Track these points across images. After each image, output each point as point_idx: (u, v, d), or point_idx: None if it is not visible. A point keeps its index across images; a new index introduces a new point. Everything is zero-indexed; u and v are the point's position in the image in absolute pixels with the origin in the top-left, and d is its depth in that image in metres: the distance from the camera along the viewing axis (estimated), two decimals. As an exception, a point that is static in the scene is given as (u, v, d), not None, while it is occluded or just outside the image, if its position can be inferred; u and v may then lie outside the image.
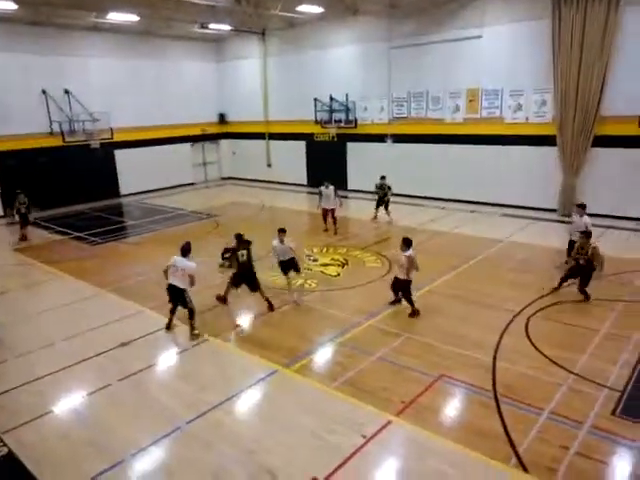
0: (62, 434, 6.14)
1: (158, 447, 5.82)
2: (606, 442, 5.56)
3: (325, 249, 13.44)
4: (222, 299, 9.88)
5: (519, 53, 16.22)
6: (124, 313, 9.69)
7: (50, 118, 19.81)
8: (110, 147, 21.59)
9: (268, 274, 11.19)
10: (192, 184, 25.45)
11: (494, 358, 7.44)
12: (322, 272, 11.58)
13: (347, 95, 20.88)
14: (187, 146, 25.28)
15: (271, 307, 9.47)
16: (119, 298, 10.50)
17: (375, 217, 16.58)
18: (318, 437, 5.84)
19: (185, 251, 8.56)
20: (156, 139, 23.47)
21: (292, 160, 23.95)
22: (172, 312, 8.80)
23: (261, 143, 25.19)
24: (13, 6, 15.62)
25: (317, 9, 18.61)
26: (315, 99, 21.51)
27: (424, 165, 19.15)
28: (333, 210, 15.07)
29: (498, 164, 17.35)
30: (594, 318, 8.68)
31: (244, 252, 9.38)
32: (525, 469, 5.19)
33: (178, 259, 8.51)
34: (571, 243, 10.71)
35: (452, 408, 6.41)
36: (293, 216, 18.07)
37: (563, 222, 15.38)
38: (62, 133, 19.87)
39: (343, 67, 20.95)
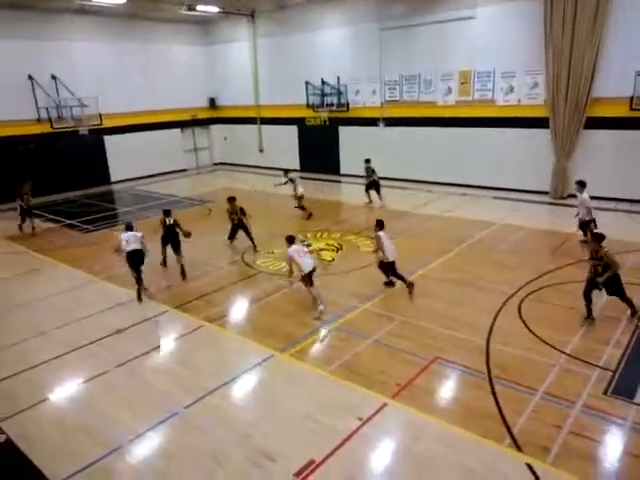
0: (59, 421, 6.15)
1: (156, 432, 5.85)
2: (598, 421, 5.66)
3: (319, 234, 13.43)
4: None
5: (511, 34, 16.10)
6: (118, 300, 9.66)
7: (37, 104, 19.47)
8: (99, 133, 21.30)
9: (262, 259, 11.21)
10: (184, 170, 25.24)
11: (488, 340, 7.51)
12: (316, 257, 11.57)
13: (338, 78, 20.68)
14: (177, 132, 25.01)
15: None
16: (112, 285, 10.46)
17: (369, 201, 16.53)
18: (314, 420, 5.89)
19: (130, 226, 10.05)
20: (146, 124, 23.17)
21: (284, 145, 23.78)
22: (139, 281, 9.67)
23: (252, 128, 24.96)
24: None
25: (307, -10, 18.29)
26: (306, 82, 21.29)
27: (416, 149, 19.09)
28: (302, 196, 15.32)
29: (490, 147, 17.33)
30: (586, 299, 8.76)
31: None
32: (519, 448, 5.28)
33: (130, 233, 9.77)
34: (582, 223, 11.10)
35: (447, 390, 6.49)
36: (285, 201, 17.97)
37: (555, 204, 15.47)
38: (50, 119, 19.54)
39: (334, 50, 20.70)
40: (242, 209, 12.35)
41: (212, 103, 26.16)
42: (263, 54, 23.47)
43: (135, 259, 9.58)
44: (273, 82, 23.38)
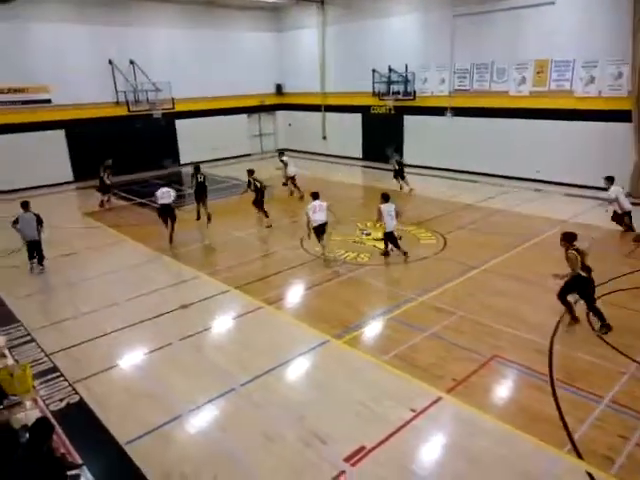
0: (126, 386, 6.56)
1: (213, 405, 6.11)
2: (670, 435, 5.31)
3: (379, 224, 13.31)
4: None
5: (595, 21, 15.06)
6: (183, 277, 10.11)
7: (116, 88, 20.54)
8: (171, 117, 22.16)
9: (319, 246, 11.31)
10: (248, 155, 25.78)
11: (551, 341, 7.21)
12: (375, 246, 11.53)
13: (406, 66, 20.26)
14: (244, 117, 25.55)
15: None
16: (178, 263, 10.94)
17: (400, 188, 16.93)
18: (367, 407, 5.93)
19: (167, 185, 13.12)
20: (215, 109, 23.84)
21: (347, 133, 23.71)
22: (170, 229, 12.30)
23: (317, 115, 25.05)
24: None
25: (379, -25, 18.00)
26: (373, 70, 21.03)
27: (485, 140, 18.41)
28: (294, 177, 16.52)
29: (565, 141, 16.41)
30: (664, 306, 8.19)
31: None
32: (580, 456, 5.06)
33: (164, 189, 12.35)
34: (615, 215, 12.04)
35: (504, 389, 6.31)
36: (346, 189, 17.99)
37: (635, 204, 14.44)
38: (127, 103, 20.56)
39: (403, 37, 20.27)
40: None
41: (279, 89, 26.47)
42: (331, 41, 23.40)
43: (164, 211, 12.22)
44: (339, 69, 23.29)
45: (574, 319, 7.71)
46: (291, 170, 16.83)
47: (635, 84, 14.45)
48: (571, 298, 7.71)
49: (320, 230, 10.49)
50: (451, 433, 5.54)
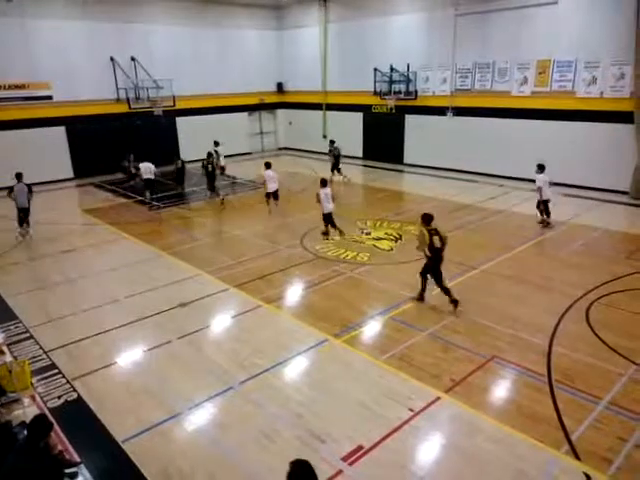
0: (125, 384, 6.56)
1: (212, 403, 6.11)
2: (668, 437, 5.31)
3: (379, 223, 13.34)
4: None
5: (598, 21, 15.04)
6: (182, 275, 10.09)
7: (117, 85, 20.51)
8: (172, 114, 22.13)
9: (321, 245, 11.33)
10: (249, 153, 25.76)
11: (550, 342, 7.20)
12: (375, 246, 11.53)
13: (408, 65, 20.23)
14: (244, 115, 25.51)
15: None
16: (177, 261, 10.93)
17: (331, 180, 17.16)
18: (365, 407, 5.93)
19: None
20: (215, 107, 23.81)
21: (348, 132, 23.64)
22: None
23: (318, 114, 25.01)
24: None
25: (382, -26, 17.98)
26: (375, 69, 21.01)
27: (485, 140, 18.39)
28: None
29: (566, 141, 16.39)
30: (663, 308, 8.19)
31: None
32: (577, 457, 5.06)
33: (146, 164, 15.71)
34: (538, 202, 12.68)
35: (503, 389, 6.31)
36: (347, 188, 17.97)
37: (635, 205, 14.47)
38: (128, 100, 20.53)
39: (405, 36, 20.24)
40: None
41: (279, 88, 26.44)
42: (333, 39, 23.37)
43: (148, 184, 15.98)
44: (341, 68, 23.27)
45: (420, 298, 8.63)
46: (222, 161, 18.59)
47: (637, 85, 14.44)
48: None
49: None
50: (449, 433, 5.54)
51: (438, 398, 6.03)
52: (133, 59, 20.77)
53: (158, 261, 11.06)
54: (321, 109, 24.82)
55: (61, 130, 19.67)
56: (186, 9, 22.16)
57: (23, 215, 12.75)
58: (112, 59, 20.29)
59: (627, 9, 14.21)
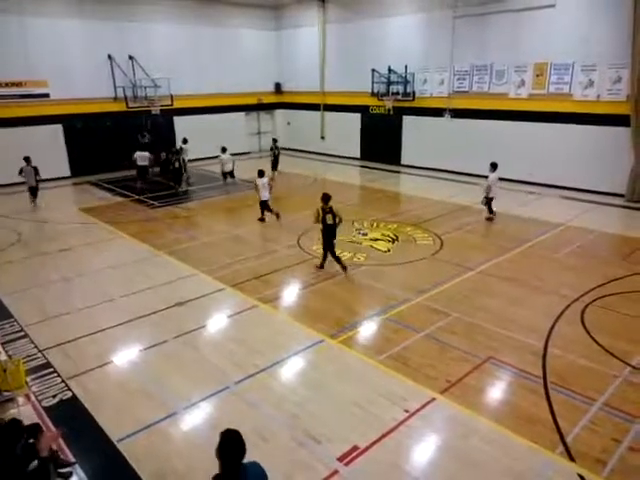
0: (121, 383, 6.54)
1: (207, 403, 6.10)
2: (662, 439, 5.34)
3: (375, 224, 13.35)
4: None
5: (595, 25, 15.11)
6: (179, 275, 10.08)
7: (115, 83, 20.46)
8: (170, 114, 22.10)
9: (317, 245, 11.32)
10: (247, 153, 25.73)
11: (546, 344, 7.23)
12: (371, 246, 11.54)
13: (406, 67, 20.26)
14: (242, 115, 25.49)
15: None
16: (174, 260, 10.91)
17: (272, 178, 17.14)
18: (361, 407, 5.93)
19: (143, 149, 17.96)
20: (213, 107, 23.79)
21: (346, 133, 23.70)
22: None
23: (316, 114, 25.03)
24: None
25: (380, -24, 18.02)
26: (373, 70, 21.04)
27: (483, 142, 18.42)
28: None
29: (563, 143, 16.47)
30: (658, 311, 8.23)
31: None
32: (572, 458, 5.08)
33: (140, 153, 17.69)
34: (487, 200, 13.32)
35: (498, 391, 6.32)
36: (344, 189, 17.99)
37: (631, 208, 14.53)
38: (126, 98, 20.49)
39: (403, 37, 20.28)
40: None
41: (278, 88, 26.43)
42: (331, 40, 23.39)
43: (142, 171, 17.55)
44: (339, 69, 23.29)
45: (321, 266, 10.16)
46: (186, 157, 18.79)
47: (634, 89, 14.51)
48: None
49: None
50: (444, 434, 5.55)
51: (433, 399, 6.04)
52: (131, 58, 20.73)
53: (155, 260, 11.04)
54: (319, 110, 24.83)
55: (58, 128, 19.60)
56: (185, 8, 22.14)
57: (32, 192, 15.55)
58: (110, 57, 20.25)
59: (624, 13, 14.28)
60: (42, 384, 6.51)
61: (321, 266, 10.19)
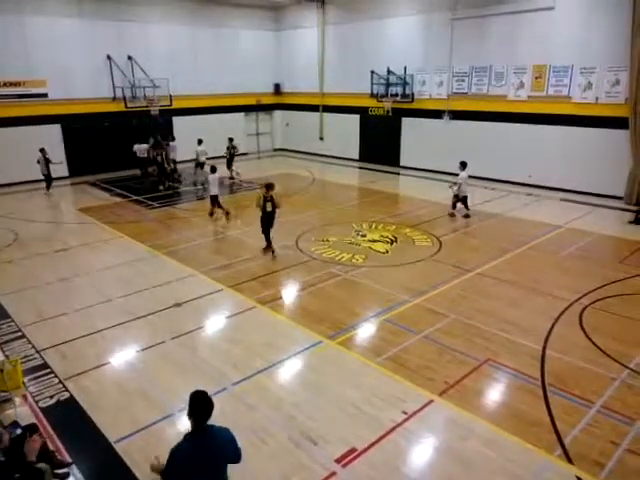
0: (118, 384, 6.52)
1: (205, 405, 6.06)
2: (660, 441, 5.33)
3: (374, 225, 13.35)
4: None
5: (594, 27, 15.15)
6: (177, 276, 10.05)
7: (114, 83, 20.43)
8: (169, 114, 22.07)
9: (315, 247, 11.31)
10: (245, 154, 25.70)
11: (544, 346, 7.23)
12: (370, 248, 11.54)
13: (405, 68, 20.29)
14: (241, 116, 25.47)
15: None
16: (172, 261, 10.89)
17: (231, 177, 18.98)
18: (359, 409, 5.92)
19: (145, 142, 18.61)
20: (212, 107, 23.77)
21: (345, 134, 23.70)
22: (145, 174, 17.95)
23: (315, 115, 25.03)
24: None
25: (380, -23, 18.04)
26: (372, 72, 21.06)
27: (482, 144, 18.45)
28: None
29: (562, 146, 16.49)
30: (656, 313, 8.23)
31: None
32: (570, 460, 5.07)
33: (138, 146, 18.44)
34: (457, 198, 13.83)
35: (497, 393, 6.31)
36: (343, 190, 18.00)
37: (629, 211, 14.54)
38: (124, 99, 20.46)
39: (402, 39, 20.30)
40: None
41: (277, 89, 26.42)
42: (330, 41, 23.40)
43: (141, 162, 18.68)
44: (338, 70, 23.30)
45: (268, 248, 11.15)
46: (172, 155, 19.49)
47: (632, 91, 14.53)
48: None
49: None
50: (442, 436, 5.54)
51: (432, 401, 6.03)
52: (130, 58, 20.70)
53: (153, 261, 11.01)
54: (318, 111, 24.83)
55: (56, 128, 19.55)
56: (184, 9, 22.12)
57: (45, 180, 17.42)
58: (109, 57, 20.22)
59: (623, 15, 14.30)
60: (39, 385, 6.49)
61: (267, 248, 11.17)
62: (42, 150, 17.16)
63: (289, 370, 6.90)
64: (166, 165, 18.76)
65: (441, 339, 7.45)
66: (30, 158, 18.60)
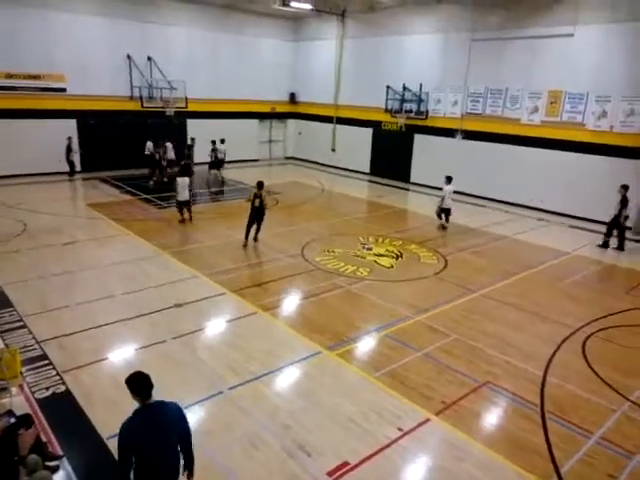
0: (114, 380, 6.47)
1: (200, 407, 6.05)
2: (658, 477, 5.24)
3: (380, 239, 13.33)
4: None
5: (612, 56, 15.17)
6: (180, 276, 10.06)
7: (132, 83, 20.66)
8: (183, 116, 22.26)
9: (321, 257, 11.30)
10: (256, 160, 25.84)
11: (545, 372, 7.15)
12: (375, 262, 11.51)
13: (421, 85, 20.39)
14: (255, 122, 25.64)
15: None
16: (177, 262, 10.91)
17: (218, 177, 20.16)
18: (354, 422, 5.87)
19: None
20: (226, 112, 23.94)
21: (356, 147, 23.78)
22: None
23: (328, 126, 25.15)
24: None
25: (401, -6, 18.23)
26: (387, 87, 21.18)
27: (493, 165, 18.46)
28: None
29: (573, 172, 16.43)
30: (660, 346, 8.14)
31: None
32: (565, 490, 4.99)
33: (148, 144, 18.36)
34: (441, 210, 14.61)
35: (494, 416, 6.24)
36: (351, 202, 18.02)
37: (637, 241, 14.45)
38: (141, 98, 20.67)
39: (420, 56, 20.44)
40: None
41: (292, 98, 26.60)
42: (348, 54, 23.58)
43: (150, 160, 19.33)
44: (354, 83, 23.44)
45: (254, 239, 12.25)
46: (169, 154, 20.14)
47: (646, 122, 14.50)
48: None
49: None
50: (437, 455, 5.47)
51: (428, 419, 5.97)
52: (150, 58, 20.95)
53: (158, 260, 11.04)
54: (331, 122, 24.96)
55: (72, 123, 19.76)
56: (205, 13, 22.39)
57: (69, 166, 19.03)
58: (129, 57, 20.46)
59: (641, 46, 14.35)
60: (37, 375, 6.49)
61: (245, 245, 12.05)
62: (69, 138, 18.80)
63: (287, 378, 6.86)
64: (163, 162, 19.88)
65: (441, 358, 7.39)
66: (44, 150, 18.85)
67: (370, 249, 12.44)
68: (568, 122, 16.50)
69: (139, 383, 3.81)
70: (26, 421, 4.98)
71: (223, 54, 23.45)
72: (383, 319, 8.61)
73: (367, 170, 23.45)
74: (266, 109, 25.75)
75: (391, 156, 22.27)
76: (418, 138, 21.17)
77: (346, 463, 5.20)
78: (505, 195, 18.33)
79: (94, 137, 20.25)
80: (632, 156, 15.01)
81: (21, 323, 7.85)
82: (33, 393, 6.12)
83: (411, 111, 20.70)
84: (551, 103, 16.88)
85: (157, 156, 19.76)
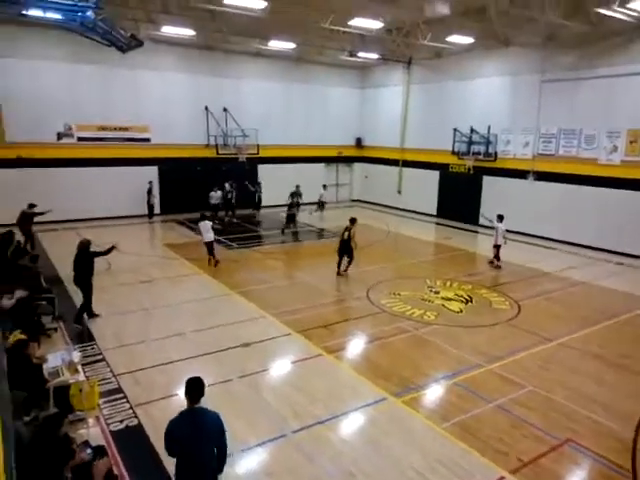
0: (183, 417, 6.65)
1: (263, 449, 6.04)
2: None
3: (449, 283, 12.97)
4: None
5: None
6: (249, 316, 10.29)
7: (208, 132, 22.09)
8: (255, 161, 23.32)
9: (387, 299, 11.16)
10: (324, 203, 26.23)
11: (636, 432, 6.48)
12: (443, 305, 11.18)
13: (489, 127, 20.13)
14: (321, 166, 26.34)
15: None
16: (245, 301, 11.19)
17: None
18: (420, 475, 5.59)
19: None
20: (295, 157, 24.84)
21: (423, 189, 23.66)
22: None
23: (394, 169, 25.31)
24: (191, 32, 17.92)
25: (467, 40, 18.40)
26: (455, 129, 21.11)
27: (568, 207, 17.62)
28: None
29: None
30: None
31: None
32: None
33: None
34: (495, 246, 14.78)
35: (577, 478, 5.71)
36: (417, 245, 17.79)
37: None
38: (216, 146, 21.98)
39: (487, 98, 20.30)
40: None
41: (358, 142, 27.19)
42: (414, 99, 23.90)
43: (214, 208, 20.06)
44: (420, 126, 23.61)
45: (338, 273, 13.14)
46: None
47: None
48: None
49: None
50: (513, 519, 5.06)
51: (503, 478, 5.57)
52: (225, 110, 22.36)
53: (227, 299, 11.39)
54: (397, 165, 25.11)
55: (154, 170, 21.31)
56: (276, 66, 23.78)
57: (149, 209, 20.63)
58: (206, 108, 21.98)
59: None
60: (112, 408, 6.79)
61: (338, 272, 13.14)
62: (150, 182, 20.40)
63: (351, 424, 6.71)
64: (233, 202, 21.28)
65: (516, 410, 6.94)
66: (129, 195, 20.40)
67: (437, 292, 12.12)
68: (651, 161, 15.55)
69: (194, 386, 4.31)
70: (100, 453, 5.19)
71: (293, 103, 24.60)
72: (452, 366, 8.27)
73: (434, 212, 23.17)
74: (332, 153, 26.46)
75: (459, 198, 21.91)
76: (487, 180, 20.74)
77: (413, 519, 4.93)
78: (583, 238, 17.31)
79: (173, 182, 21.68)
80: None
81: (100, 356, 8.31)
82: (108, 425, 6.40)
83: (479, 153, 20.42)
84: (631, 142, 16.04)
85: (230, 195, 21.07)
